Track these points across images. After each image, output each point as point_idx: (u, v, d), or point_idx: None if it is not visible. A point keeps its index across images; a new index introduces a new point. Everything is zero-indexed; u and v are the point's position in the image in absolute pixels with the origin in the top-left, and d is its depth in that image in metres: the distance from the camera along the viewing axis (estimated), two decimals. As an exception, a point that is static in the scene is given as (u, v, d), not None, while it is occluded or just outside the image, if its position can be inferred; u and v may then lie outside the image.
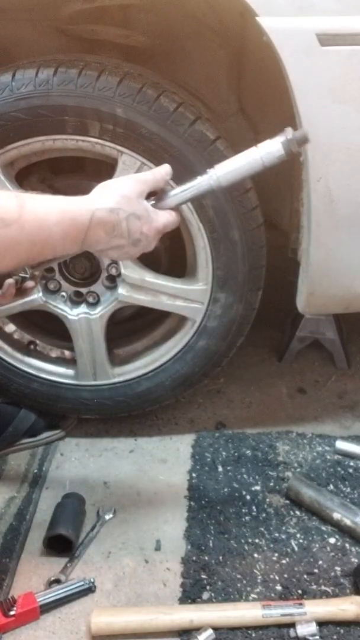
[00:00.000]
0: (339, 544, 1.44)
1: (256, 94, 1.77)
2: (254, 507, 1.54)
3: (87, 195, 1.12)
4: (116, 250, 1.14)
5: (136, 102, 1.40)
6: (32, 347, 1.77)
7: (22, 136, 1.45)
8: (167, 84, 1.47)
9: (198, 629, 1.24)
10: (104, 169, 1.68)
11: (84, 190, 1.65)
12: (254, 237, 1.54)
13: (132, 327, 1.82)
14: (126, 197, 1.11)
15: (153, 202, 1.17)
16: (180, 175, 1.46)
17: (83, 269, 1.64)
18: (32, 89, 1.40)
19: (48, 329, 1.79)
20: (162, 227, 1.17)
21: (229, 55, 1.74)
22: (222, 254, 1.54)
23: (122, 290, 1.61)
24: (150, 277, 1.59)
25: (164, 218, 1.17)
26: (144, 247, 1.17)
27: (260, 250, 1.57)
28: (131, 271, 1.58)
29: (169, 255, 1.77)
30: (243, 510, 1.53)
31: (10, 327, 1.74)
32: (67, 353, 1.77)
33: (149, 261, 1.66)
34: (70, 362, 1.75)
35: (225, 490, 1.59)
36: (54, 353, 1.78)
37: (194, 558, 1.41)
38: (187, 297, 1.60)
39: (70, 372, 1.74)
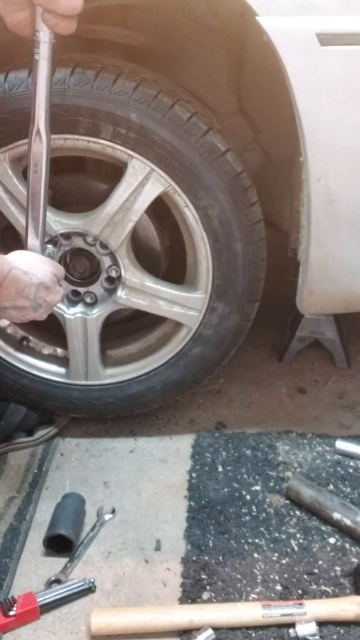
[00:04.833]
0: (339, 544, 1.44)
1: (256, 94, 1.77)
2: (254, 507, 1.54)
3: (6, 255, 1.26)
4: (17, 310, 1.27)
5: (151, 108, 1.41)
6: (24, 342, 1.76)
7: None
8: (182, 92, 1.47)
9: (198, 629, 1.24)
10: (105, 169, 1.69)
11: (84, 189, 1.66)
12: (255, 250, 1.55)
13: (127, 329, 1.82)
14: (40, 267, 1.29)
15: None
16: (189, 184, 1.46)
17: (83, 269, 1.64)
18: None
19: (42, 325, 1.79)
20: (60, 300, 1.36)
21: (229, 55, 1.74)
22: (223, 265, 1.55)
23: (120, 293, 1.61)
24: (150, 282, 1.60)
25: (64, 292, 1.36)
26: (41, 314, 1.32)
27: (261, 263, 1.58)
28: (132, 274, 1.58)
29: (169, 259, 1.77)
30: (243, 510, 1.53)
31: (3, 322, 1.73)
32: (59, 351, 1.77)
33: (149, 265, 1.66)
34: (62, 361, 1.75)
35: (225, 490, 1.59)
36: (47, 350, 1.78)
37: (194, 558, 1.41)
38: (185, 304, 1.61)
39: (61, 370, 1.74)
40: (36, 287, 1.26)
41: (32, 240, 1.37)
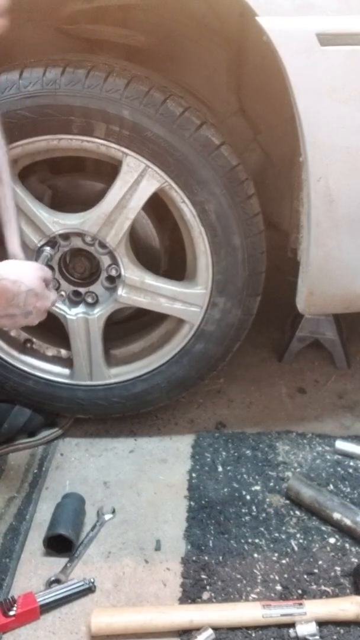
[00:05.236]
0: (339, 544, 1.44)
1: (256, 94, 1.77)
2: (254, 507, 1.54)
3: None
4: (8, 318, 1.30)
5: (143, 104, 1.41)
6: (28, 345, 1.76)
7: (27, 134, 1.45)
8: (174, 88, 1.47)
9: (198, 629, 1.24)
10: (104, 169, 1.69)
11: (82, 189, 1.66)
12: (255, 244, 1.55)
13: (129, 328, 1.82)
14: (28, 274, 1.30)
15: None
16: (184, 179, 1.47)
17: (83, 269, 1.64)
18: (39, 87, 1.41)
19: (45, 327, 1.79)
20: (51, 305, 1.37)
21: (229, 55, 1.74)
22: (223, 259, 1.55)
23: (121, 292, 1.61)
24: (150, 279, 1.59)
25: (54, 297, 1.38)
26: (32, 320, 1.34)
27: (261, 256, 1.58)
28: (131, 272, 1.58)
29: (169, 259, 1.77)
30: (243, 510, 1.53)
31: (6, 325, 1.74)
32: (63, 352, 1.77)
33: (149, 263, 1.66)
34: (66, 362, 1.75)
35: (225, 490, 1.59)
36: (50, 352, 1.77)
37: (194, 558, 1.41)
38: (186, 300, 1.60)
39: (65, 371, 1.74)
40: (25, 294, 1.28)
41: (12, 247, 1.39)
